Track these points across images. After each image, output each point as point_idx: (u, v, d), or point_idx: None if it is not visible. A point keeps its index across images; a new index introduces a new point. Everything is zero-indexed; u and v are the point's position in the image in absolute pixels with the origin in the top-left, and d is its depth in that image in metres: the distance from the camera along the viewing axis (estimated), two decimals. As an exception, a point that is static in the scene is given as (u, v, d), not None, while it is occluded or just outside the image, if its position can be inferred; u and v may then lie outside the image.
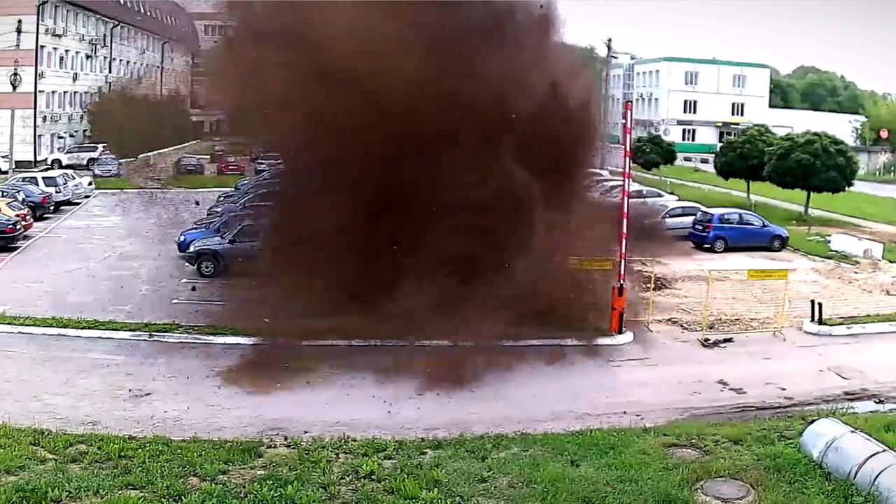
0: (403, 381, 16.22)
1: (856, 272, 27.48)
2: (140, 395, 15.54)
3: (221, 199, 37.00)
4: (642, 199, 33.59)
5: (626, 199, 21.22)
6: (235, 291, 21.98)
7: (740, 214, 32.58)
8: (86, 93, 65.89)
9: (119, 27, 72.65)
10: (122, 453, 12.52)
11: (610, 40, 64.77)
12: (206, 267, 25.15)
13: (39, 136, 57.23)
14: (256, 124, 23.36)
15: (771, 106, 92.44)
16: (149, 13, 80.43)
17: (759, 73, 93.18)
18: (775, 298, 22.32)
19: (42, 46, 56.80)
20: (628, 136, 22.05)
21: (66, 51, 62.32)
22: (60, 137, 61.91)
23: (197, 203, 35.22)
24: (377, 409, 15.09)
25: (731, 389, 16.56)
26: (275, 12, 20.96)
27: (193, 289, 23.52)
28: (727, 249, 30.31)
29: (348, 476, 12.10)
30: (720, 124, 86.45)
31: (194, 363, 17.51)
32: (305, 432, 13.84)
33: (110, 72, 70.93)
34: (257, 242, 24.93)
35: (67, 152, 59.06)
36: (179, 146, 75.86)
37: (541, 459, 12.62)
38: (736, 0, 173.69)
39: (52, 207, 36.23)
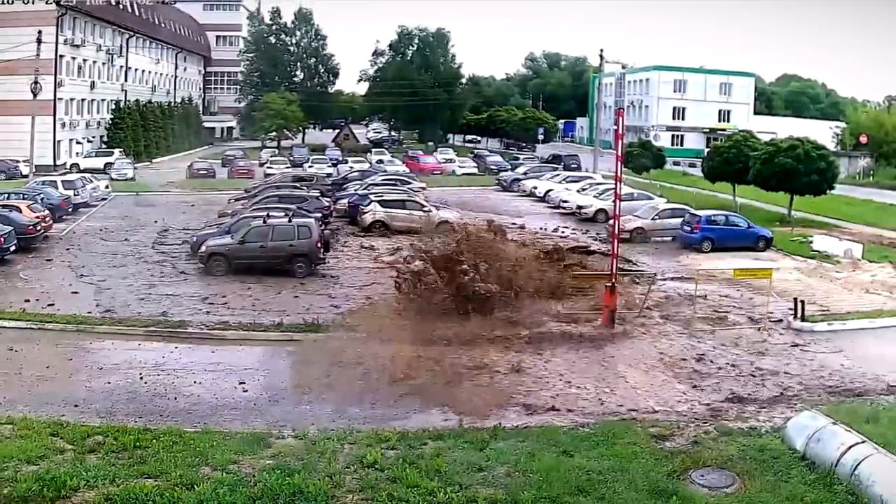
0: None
1: (837, 271, 27.45)
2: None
3: (231, 201, 37.07)
4: None
5: (617, 201, 21.28)
6: None
7: (726, 216, 32.52)
8: (103, 100, 65.91)
9: (135, 38, 72.66)
10: (138, 444, 12.52)
11: (602, 50, 64.85)
12: (217, 267, 25.16)
13: (58, 141, 57.29)
14: None
15: (756, 113, 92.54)
16: (163, 24, 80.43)
17: (744, 82, 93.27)
18: (760, 296, 22.34)
19: (61, 56, 56.89)
20: (620, 141, 22.06)
21: (84, 60, 62.40)
22: (78, 143, 61.95)
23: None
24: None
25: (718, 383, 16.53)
26: None
27: None
28: (714, 250, 30.26)
29: (353, 466, 12.09)
30: (707, 130, 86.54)
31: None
32: (312, 424, 13.86)
33: (126, 80, 70.94)
34: (264, 243, 25.05)
35: (85, 157, 59.10)
36: (191, 151, 76.16)
37: (536, 450, 12.62)
38: (723, 5, 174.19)
39: (70, 209, 36.22)
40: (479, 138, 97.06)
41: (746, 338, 19.60)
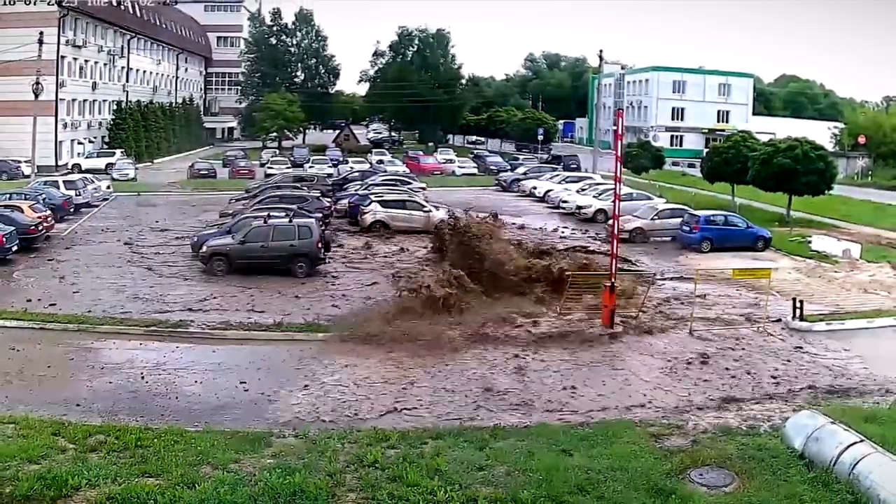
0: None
1: (835, 271, 27.44)
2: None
3: (232, 201, 37.06)
4: None
5: (617, 201, 21.29)
6: None
7: (725, 216, 32.48)
8: (104, 101, 65.90)
9: (136, 39, 72.65)
10: (139, 443, 12.51)
11: (602, 51, 64.85)
12: (218, 266, 25.16)
13: (60, 141, 57.30)
14: None
15: (754, 113, 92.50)
16: (164, 25, 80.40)
17: (743, 82, 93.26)
18: (759, 296, 22.34)
19: (63, 57, 56.89)
20: (619, 142, 22.06)
21: (86, 61, 62.41)
22: (80, 143, 61.96)
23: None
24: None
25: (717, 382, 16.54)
26: None
27: None
28: (713, 250, 30.26)
29: (353, 465, 12.08)
30: (706, 131, 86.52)
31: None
32: (312, 422, 13.85)
33: (127, 81, 70.94)
34: (265, 243, 25.05)
35: (87, 157, 59.10)
36: (192, 151, 76.19)
37: (536, 449, 12.61)
38: (723, 5, 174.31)
39: (72, 209, 36.22)
40: (482, 139, 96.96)
41: (745, 337, 19.59)
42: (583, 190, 42.10)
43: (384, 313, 20.08)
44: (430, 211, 33.82)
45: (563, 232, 34.02)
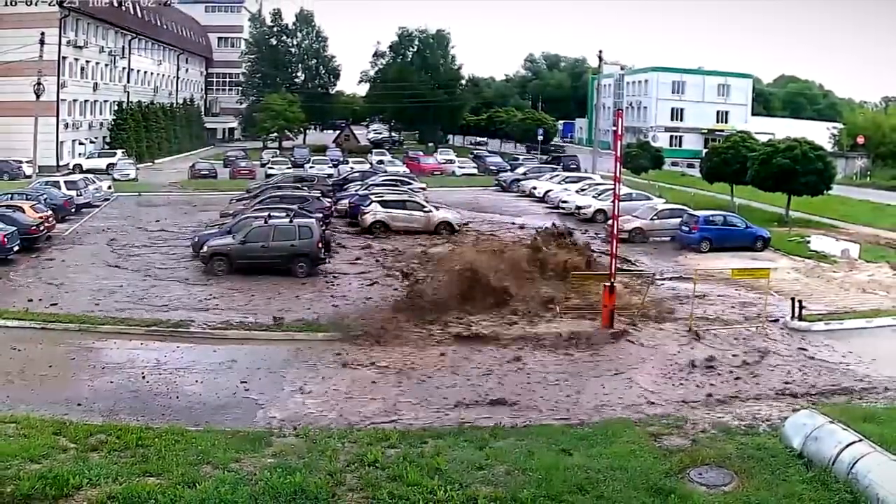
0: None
1: (834, 271, 27.44)
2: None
3: (233, 201, 37.06)
4: None
5: (616, 201, 21.30)
6: None
7: (724, 216, 32.46)
8: (105, 101, 65.91)
9: (137, 39, 72.67)
10: (140, 442, 12.51)
11: (601, 52, 64.89)
12: (219, 266, 25.16)
13: (61, 142, 57.32)
14: None
15: (753, 114, 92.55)
16: (165, 26, 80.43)
17: (742, 83, 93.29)
18: (758, 296, 22.33)
19: (64, 57, 56.92)
20: (619, 142, 22.07)
21: (87, 61, 62.43)
22: (81, 144, 61.97)
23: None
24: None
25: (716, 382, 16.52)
26: None
27: None
28: (712, 250, 30.25)
29: (353, 464, 12.08)
30: (705, 131, 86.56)
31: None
32: (311, 422, 13.86)
33: (128, 81, 70.94)
34: (266, 243, 25.06)
35: (88, 157, 59.10)
36: (193, 152, 76.21)
37: (536, 449, 12.60)
38: (723, 6, 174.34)
39: (73, 209, 36.22)
40: (484, 140, 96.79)
41: (744, 337, 19.58)
42: (582, 190, 42.11)
43: (382, 314, 20.10)
44: (431, 211, 33.83)
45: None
